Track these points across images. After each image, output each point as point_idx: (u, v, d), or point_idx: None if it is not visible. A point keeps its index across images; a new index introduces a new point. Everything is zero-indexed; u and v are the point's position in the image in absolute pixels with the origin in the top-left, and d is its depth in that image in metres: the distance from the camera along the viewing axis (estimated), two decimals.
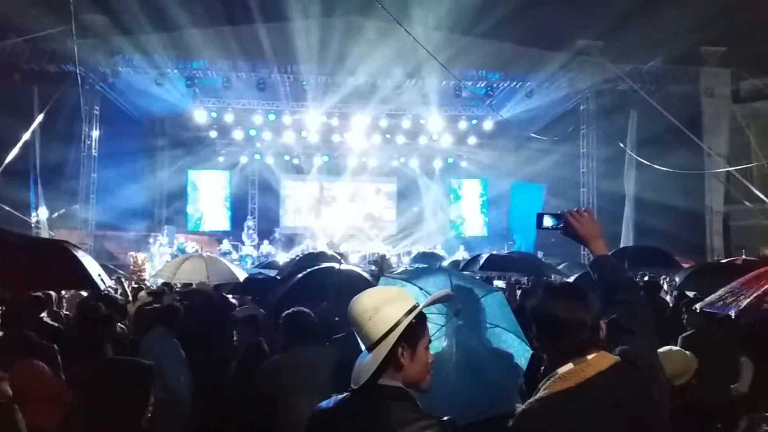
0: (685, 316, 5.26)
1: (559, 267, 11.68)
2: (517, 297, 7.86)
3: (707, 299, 4.30)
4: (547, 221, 2.38)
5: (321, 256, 9.38)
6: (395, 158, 23.37)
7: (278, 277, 8.03)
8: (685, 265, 9.92)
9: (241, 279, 8.55)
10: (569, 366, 1.81)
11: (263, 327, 5.17)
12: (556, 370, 1.83)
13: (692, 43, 15.92)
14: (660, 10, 13.50)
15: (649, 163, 15.71)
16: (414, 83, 17.74)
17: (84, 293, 7.58)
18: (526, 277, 10.80)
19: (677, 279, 7.88)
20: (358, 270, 6.88)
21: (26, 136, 14.68)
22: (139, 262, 15.80)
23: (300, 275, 6.09)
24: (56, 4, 12.05)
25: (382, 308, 1.83)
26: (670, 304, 7.32)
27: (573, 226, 2.28)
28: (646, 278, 9.96)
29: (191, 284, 8.44)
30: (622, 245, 16.32)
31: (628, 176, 17.64)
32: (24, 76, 15.35)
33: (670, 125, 15.35)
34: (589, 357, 1.82)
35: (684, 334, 4.92)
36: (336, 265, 6.38)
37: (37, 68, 15.36)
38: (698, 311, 4.80)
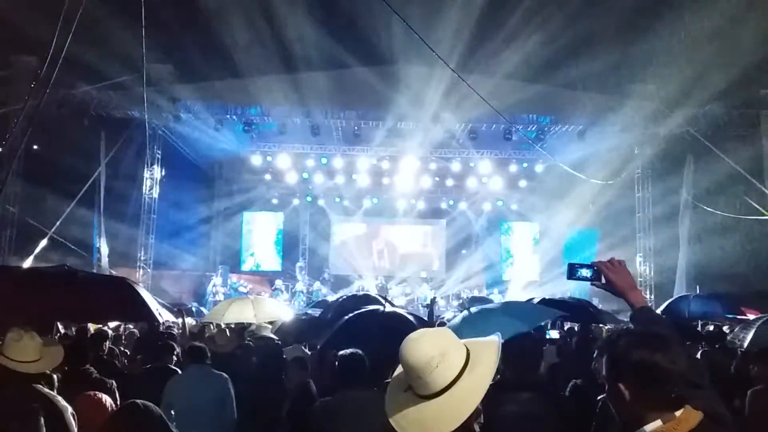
0: (755, 370, 4.94)
1: (618, 315, 11.26)
2: (573, 345, 7.61)
3: None
4: (580, 272, 2.29)
5: (366, 299, 9.34)
6: (444, 201, 23.39)
7: (320, 318, 8.06)
8: (751, 315, 9.43)
9: (287, 318, 8.63)
10: (658, 423, 1.70)
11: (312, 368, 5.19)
12: (643, 427, 1.72)
13: (751, 86, 15.48)
14: (717, 53, 13.24)
15: (710, 209, 15.20)
16: (463, 127, 17.86)
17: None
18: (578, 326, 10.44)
19: (747, 333, 7.39)
20: (405, 313, 6.82)
21: (93, 177, 15.49)
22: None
23: (346, 317, 6.07)
24: (122, 54, 12.81)
25: (450, 353, 1.74)
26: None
27: (608, 278, 2.20)
28: (710, 328, 9.51)
29: (243, 324, 8.55)
30: (675, 292, 15.73)
31: (683, 221, 17.08)
32: (92, 121, 16.28)
33: (729, 169, 14.86)
34: (678, 413, 1.70)
35: (753, 389, 4.62)
36: (382, 308, 6.34)
37: (104, 114, 16.29)
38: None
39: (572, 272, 2.31)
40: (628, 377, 1.75)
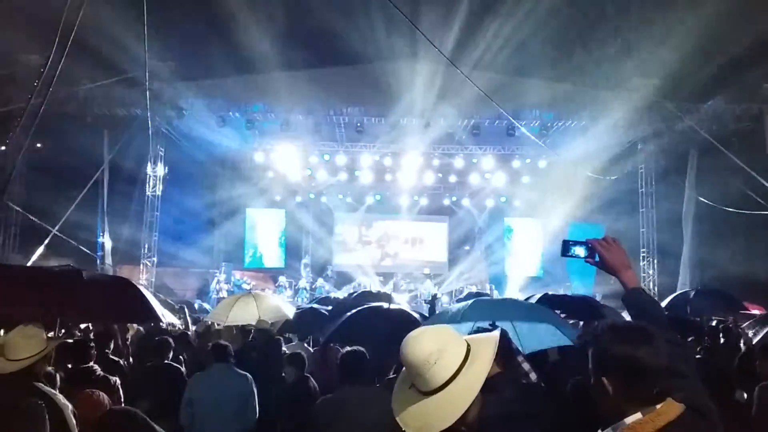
0: (760, 365, 4.90)
1: (622, 312, 11.23)
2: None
3: None
4: (574, 249, 2.26)
5: (377, 296, 9.36)
6: (447, 197, 23.37)
7: (328, 314, 8.07)
8: (755, 311, 9.41)
9: (290, 316, 8.65)
10: (638, 416, 1.70)
11: (312, 363, 5.20)
12: (624, 420, 1.72)
13: (754, 81, 15.43)
14: (719, 48, 13.18)
15: (714, 205, 15.17)
16: (466, 123, 17.82)
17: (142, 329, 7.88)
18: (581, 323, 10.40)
19: (754, 331, 7.32)
20: (410, 310, 6.84)
21: (96, 175, 15.52)
22: None
23: (348, 314, 6.08)
24: (125, 52, 12.82)
25: (448, 350, 1.77)
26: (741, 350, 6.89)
27: (602, 256, 2.16)
28: (713, 323, 9.49)
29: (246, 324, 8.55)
30: (679, 287, 15.76)
31: (686, 216, 17.06)
32: (95, 119, 16.30)
33: (733, 164, 14.83)
34: (658, 406, 1.70)
35: (762, 384, 4.59)
36: (385, 305, 6.35)
37: (107, 112, 16.30)
38: None
39: (566, 249, 2.28)
40: (611, 371, 1.74)
